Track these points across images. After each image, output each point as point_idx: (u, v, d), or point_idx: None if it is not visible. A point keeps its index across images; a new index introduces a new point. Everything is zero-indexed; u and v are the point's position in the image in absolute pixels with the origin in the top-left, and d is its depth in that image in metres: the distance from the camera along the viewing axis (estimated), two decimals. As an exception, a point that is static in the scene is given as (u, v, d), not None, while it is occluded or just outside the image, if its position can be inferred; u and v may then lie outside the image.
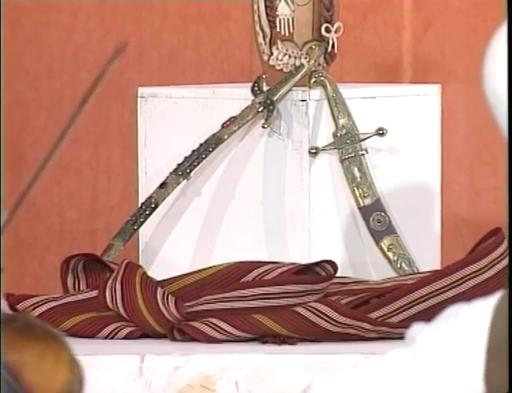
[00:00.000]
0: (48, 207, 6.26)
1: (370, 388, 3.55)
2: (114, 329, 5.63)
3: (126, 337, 5.63)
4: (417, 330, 3.56)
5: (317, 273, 5.72)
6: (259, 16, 5.82)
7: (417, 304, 5.55)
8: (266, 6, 5.80)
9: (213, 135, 5.81)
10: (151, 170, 5.89)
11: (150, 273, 5.72)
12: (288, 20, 5.81)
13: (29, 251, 6.21)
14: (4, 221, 3.40)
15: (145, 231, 5.86)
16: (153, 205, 5.84)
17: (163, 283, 5.69)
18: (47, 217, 6.24)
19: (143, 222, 5.81)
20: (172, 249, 5.83)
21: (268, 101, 5.77)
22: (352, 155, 5.79)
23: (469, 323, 3.54)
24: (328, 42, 5.83)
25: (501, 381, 3.47)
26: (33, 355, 3.39)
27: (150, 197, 5.81)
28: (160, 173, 5.83)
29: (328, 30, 5.81)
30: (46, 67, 6.46)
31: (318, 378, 3.59)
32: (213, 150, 5.82)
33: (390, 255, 5.78)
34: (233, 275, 5.74)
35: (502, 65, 3.56)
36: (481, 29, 6.28)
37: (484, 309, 3.52)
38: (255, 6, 5.82)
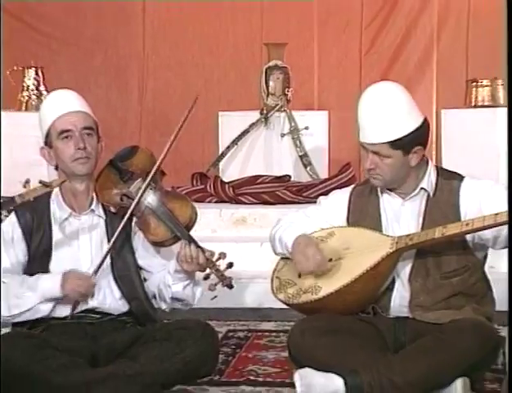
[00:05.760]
0: (184, 153, 5.94)
1: (301, 220, 3.37)
2: (210, 199, 5.45)
3: (215, 202, 5.42)
4: (320, 198, 3.44)
5: (283, 179, 5.51)
6: (262, 86, 5.62)
7: (320, 190, 5.32)
8: (266, 82, 5.59)
9: (245, 130, 5.59)
10: (223, 143, 5.64)
11: (224, 179, 5.56)
12: (273, 87, 5.61)
13: (183, 169, 5.78)
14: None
15: (222, 164, 5.66)
16: (223, 156, 5.62)
17: (228, 183, 5.49)
18: (185, 156, 5.96)
19: (220, 161, 5.64)
20: (230, 169, 5.65)
21: (266, 116, 5.59)
22: (296, 135, 5.61)
23: (339, 197, 3.40)
24: (287, 96, 5.62)
25: (355, 223, 3.29)
26: (177, 204, 3.23)
27: (222, 153, 5.63)
28: (227, 143, 5.61)
29: (287, 91, 5.61)
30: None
31: (283, 218, 3.45)
32: (245, 134, 5.59)
33: (311, 173, 5.60)
34: (252, 180, 5.49)
35: (371, 118, 3.16)
36: (349, 87, 6.03)
37: (345, 192, 3.38)
38: (262, 83, 5.61)
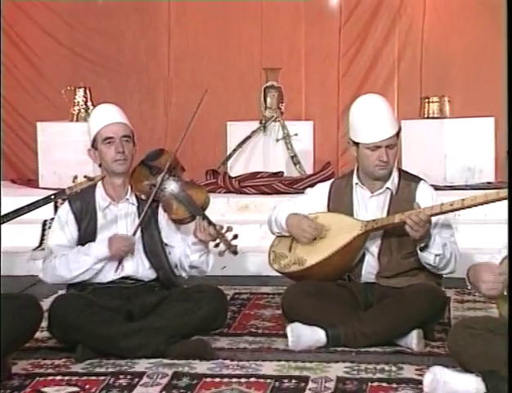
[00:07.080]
0: (200, 154, 5.83)
1: (292, 207, 3.34)
2: (220, 190, 5.30)
3: (224, 193, 5.25)
4: (307, 190, 3.45)
5: (277, 174, 5.39)
6: (261, 102, 5.52)
7: (307, 183, 5.14)
8: (264, 98, 5.49)
9: (248, 136, 5.47)
10: (231, 146, 5.49)
11: (231, 174, 5.41)
12: (270, 102, 5.50)
13: (199, 167, 5.54)
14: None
15: (229, 163, 5.51)
16: (230, 156, 5.47)
17: (234, 177, 5.33)
18: (200, 157, 5.84)
19: (228, 160, 5.50)
20: (236, 167, 5.51)
21: (265, 125, 5.48)
22: (288, 140, 5.50)
23: (322, 189, 3.38)
24: (281, 109, 5.52)
25: (333, 209, 3.25)
26: (194, 191, 3.22)
27: (230, 154, 5.48)
28: (234, 145, 5.48)
29: (281, 105, 5.52)
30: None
31: (278, 205, 3.43)
32: (248, 139, 5.47)
33: (300, 170, 5.45)
34: (253, 175, 5.35)
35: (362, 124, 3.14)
36: (330, 102, 5.95)
37: (326, 185, 3.36)
38: (261, 99, 5.50)
